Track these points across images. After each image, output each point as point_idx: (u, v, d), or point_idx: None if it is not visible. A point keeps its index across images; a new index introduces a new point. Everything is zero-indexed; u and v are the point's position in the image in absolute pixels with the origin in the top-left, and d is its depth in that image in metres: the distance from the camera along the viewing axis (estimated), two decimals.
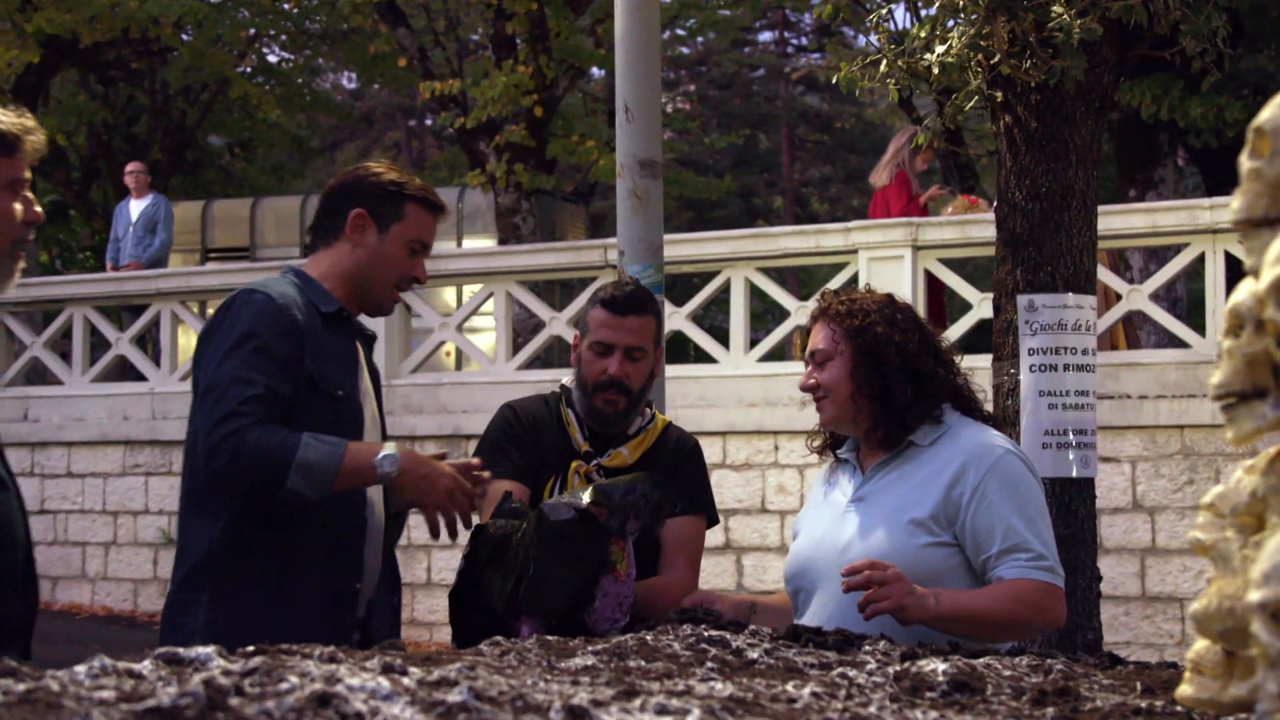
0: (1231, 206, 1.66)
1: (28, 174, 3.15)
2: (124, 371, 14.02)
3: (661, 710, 1.76)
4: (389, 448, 3.48)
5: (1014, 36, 4.54)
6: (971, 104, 4.81)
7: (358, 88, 32.67)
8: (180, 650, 1.94)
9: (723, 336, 11.77)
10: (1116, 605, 9.40)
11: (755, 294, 11.76)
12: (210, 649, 1.95)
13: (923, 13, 5.23)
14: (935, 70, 4.55)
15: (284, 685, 1.68)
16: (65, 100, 23.05)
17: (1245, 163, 1.64)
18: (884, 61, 4.90)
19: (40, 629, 3.32)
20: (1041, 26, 4.49)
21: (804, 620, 3.51)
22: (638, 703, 1.81)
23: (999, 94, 4.73)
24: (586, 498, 3.38)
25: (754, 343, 11.66)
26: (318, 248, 3.78)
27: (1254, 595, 1.47)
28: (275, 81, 24.42)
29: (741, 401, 10.86)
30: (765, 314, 22.49)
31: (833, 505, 3.66)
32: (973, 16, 4.51)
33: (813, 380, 3.64)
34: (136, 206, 15.08)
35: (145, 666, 1.84)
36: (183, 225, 17.85)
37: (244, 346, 3.48)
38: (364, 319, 3.83)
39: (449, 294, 15.80)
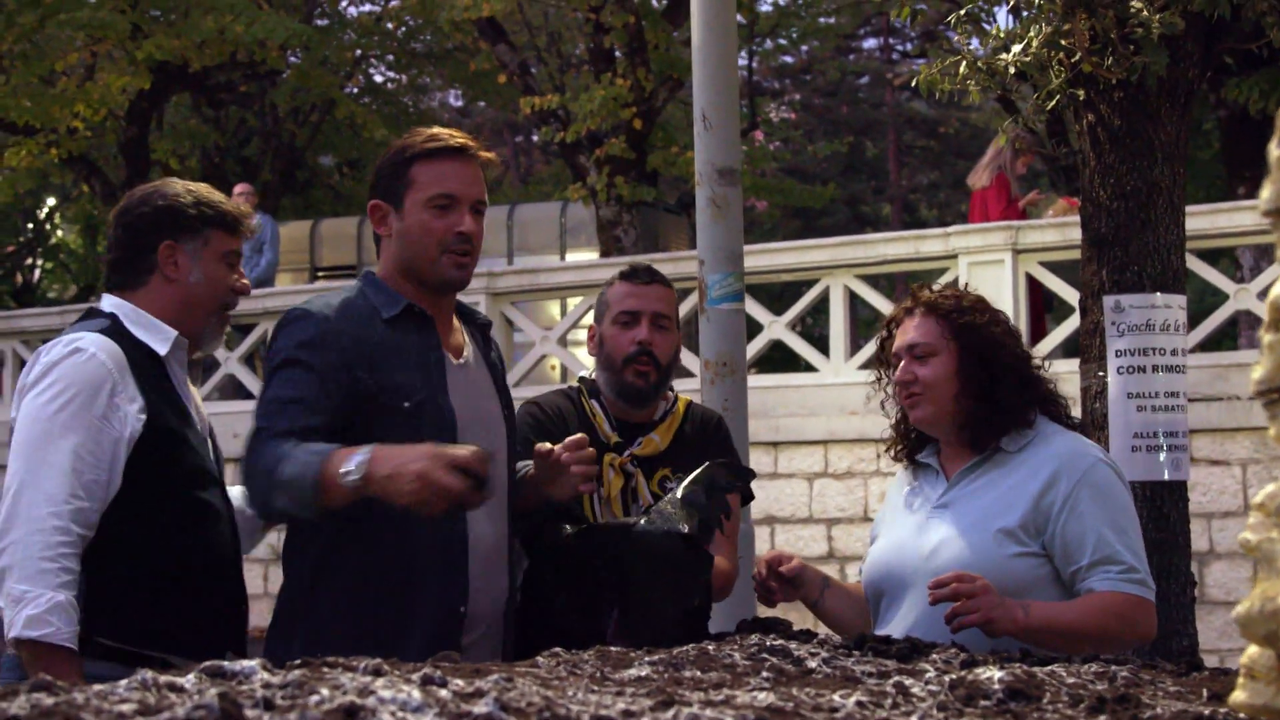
0: (1262, 195, 1.62)
1: (241, 250, 3.61)
2: (234, 390, 14.23)
3: None
4: (362, 451, 3.05)
5: (1094, 33, 4.46)
6: (1054, 103, 4.74)
7: (464, 105, 32.93)
8: (225, 664, 1.95)
9: (824, 344, 11.70)
10: (1229, 611, 9.18)
11: (857, 302, 11.67)
12: (255, 662, 1.97)
13: (1024, 14, 5.16)
14: (1011, 70, 4.48)
15: (314, 698, 1.69)
16: (177, 124, 23.47)
17: (1275, 151, 1.60)
18: (964, 63, 4.84)
19: None
20: (1122, 23, 4.41)
21: (887, 626, 3.45)
22: (670, 714, 1.80)
23: (1081, 92, 4.64)
24: (677, 516, 3.25)
25: (856, 350, 11.56)
26: (377, 251, 3.53)
27: None
28: (381, 101, 24.71)
29: (843, 410, 10.79)
30: (873, 321, 22.31)
31: (915, 511, 3.58)
32: (1050, 14, 4.44)
33: (911, 375, 3.51)
34: None
35: (189, 680, 1.85)
36: (292, 244, 18.10)
37: (280, 369, 3.29)
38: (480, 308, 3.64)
39: (554, 307, 15.86)
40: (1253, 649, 1.91)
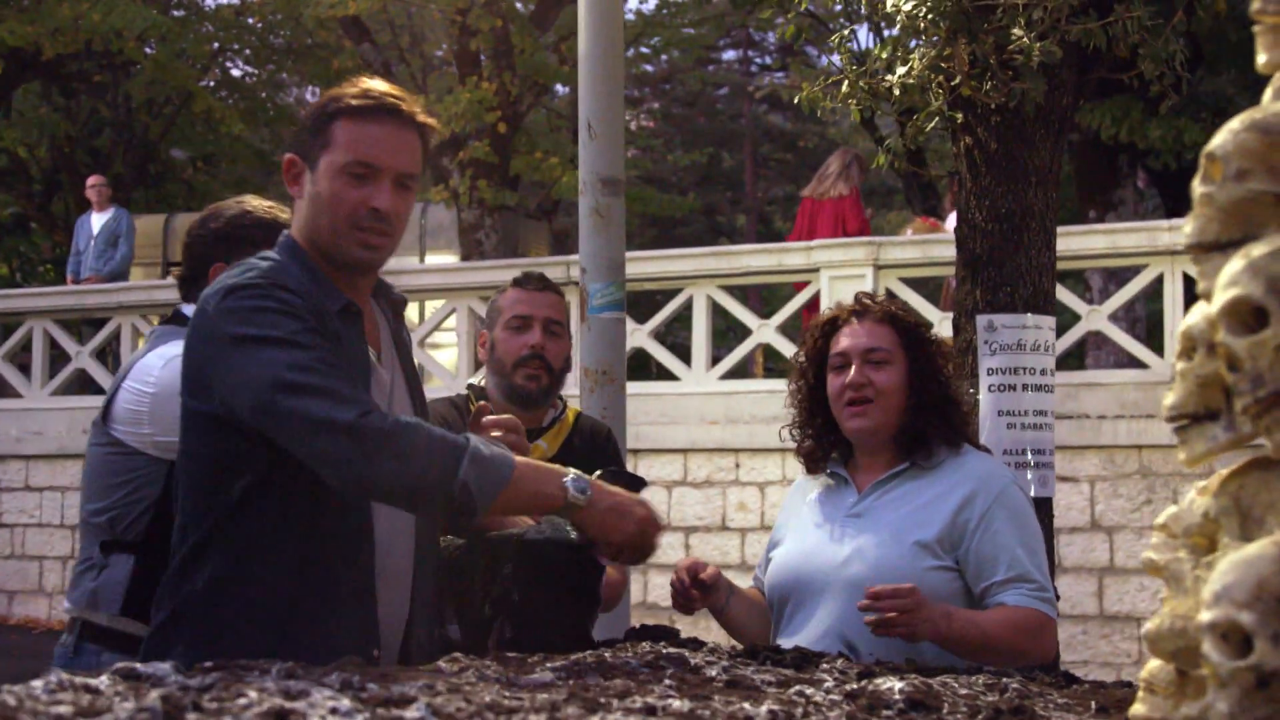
0: (1184, 230, 1.69)
1: None
2: (84, 385, 13.93)
3: None
4: (575, 475, 2.81)
5: (974, 58, 4.57)
6: (932, 125, 4.84)
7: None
8: (138, 665, 1.93)
9: (685, 354, 11.79)
10: (1074, 624, 9.45)
11: (718, 312, 11.77)
12: (167, 665, 1.95)
13: (886, 33, 5.26)
14: (897, 91, 4.58)
15: (241, 700, 1.68)
16: (27, 112, 22.90)
17: (1198, 187, 1.67)
18: (845, 82, 4.92)
19: None
20: (1002, 49, 4.52)
21: (794, 631, 3.47)
22: (598, 719, 1.82)
23: (959, 115, 4.76)
24: (566, 524, 3.02)
25: (716, 360, 11.66)
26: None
27: (1205, 615, 1.49)
28: (239, 96, 24.35)
29: (703, 419, 10.88)
30: (727, 331, 22.53)
31: (825, 519, 3.57)
32: (934, 39, 4.54)
33: (866, 379, 3.46)
34: (98, 220, 15.02)
35: (103, 682, 1.83)
36: (144, 238, 17.76)
37: (284, 335, 2.72)
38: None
39: (412, 310, 15.77)
40: (1153, 664, 1.98)
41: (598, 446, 4.00)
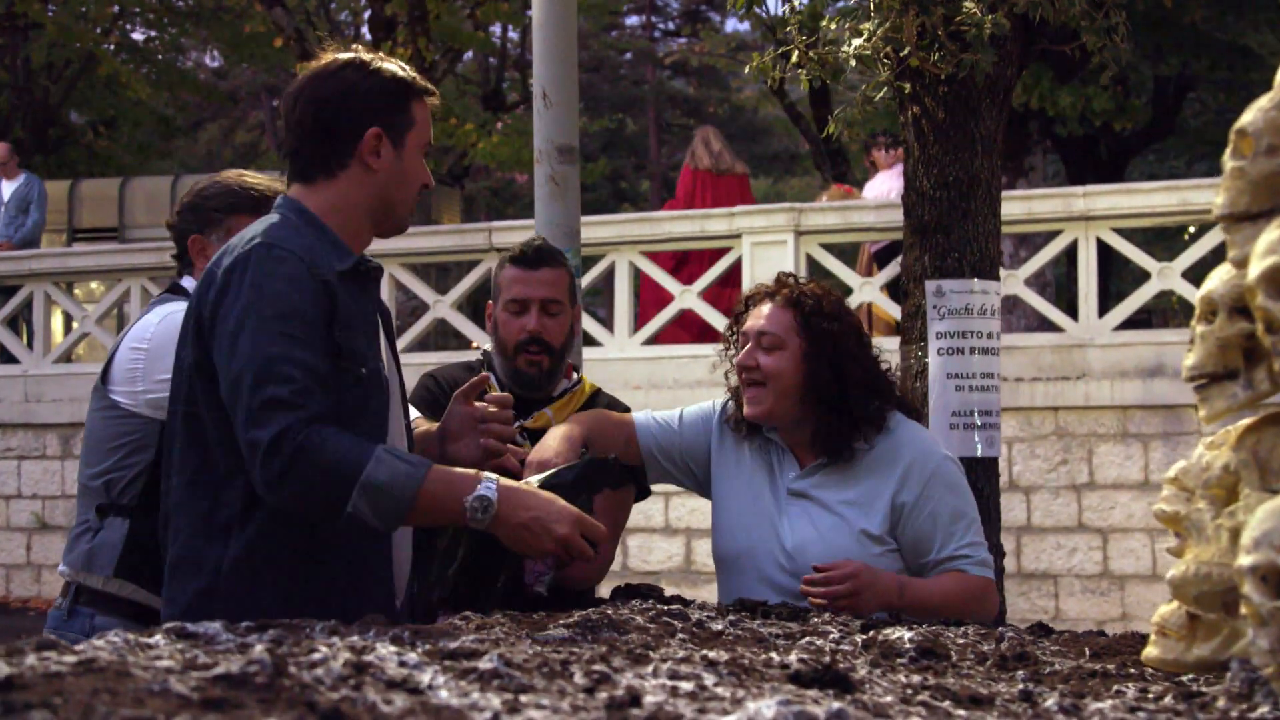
0: (1215, 202, 1.80)
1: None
2: None
3: (675, 675, 1.86)
4: (485, 485, 2.87)
5: (923, 30, 4.68)
6: (880, 95, 4.95)
7: (222, 66, 32.19)
8: (188, 625, 1.99)
9: (606, 320, 11.88)
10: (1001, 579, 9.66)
11: (638, 277, 11.85)
12: (217, 624, 2.01)
13: (798, 3, 5.34)
14: (853, 62, 4.68)
15: (316, 655, 1.75)
16: None
17: (1228, 162, 1.78)
18: (795, 52, 5.01)
19: None
20: (950, 20, 4.63)
21: (733, 597, 3.54)
22: (650, 668, 1.91)
23: (907, 86, 4.87)
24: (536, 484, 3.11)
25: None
26: (313, 178, 3.05)
27: (1245, 560, 1.60)
28: (140, 59, 23.99)
29: (627, 384, 10.96)
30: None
31: (766, 488, 3.61)
32: (887, 11, 4.64)
33: (754, 361, 3.51)
34: (9, 186, 14.79)
35: (158, 639, 1.89)
36: (50, 204, 17.48)
37: (280, 317, 2.85)
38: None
39: None
40: (1165, 608, 2.11)
41: None
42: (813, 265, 11.02)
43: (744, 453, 3.69)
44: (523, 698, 1.60)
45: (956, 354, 4.85)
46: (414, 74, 3.14)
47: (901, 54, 4.75)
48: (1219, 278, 1.90)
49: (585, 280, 11.76)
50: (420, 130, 3.09)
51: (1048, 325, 10.89)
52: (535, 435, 3.78)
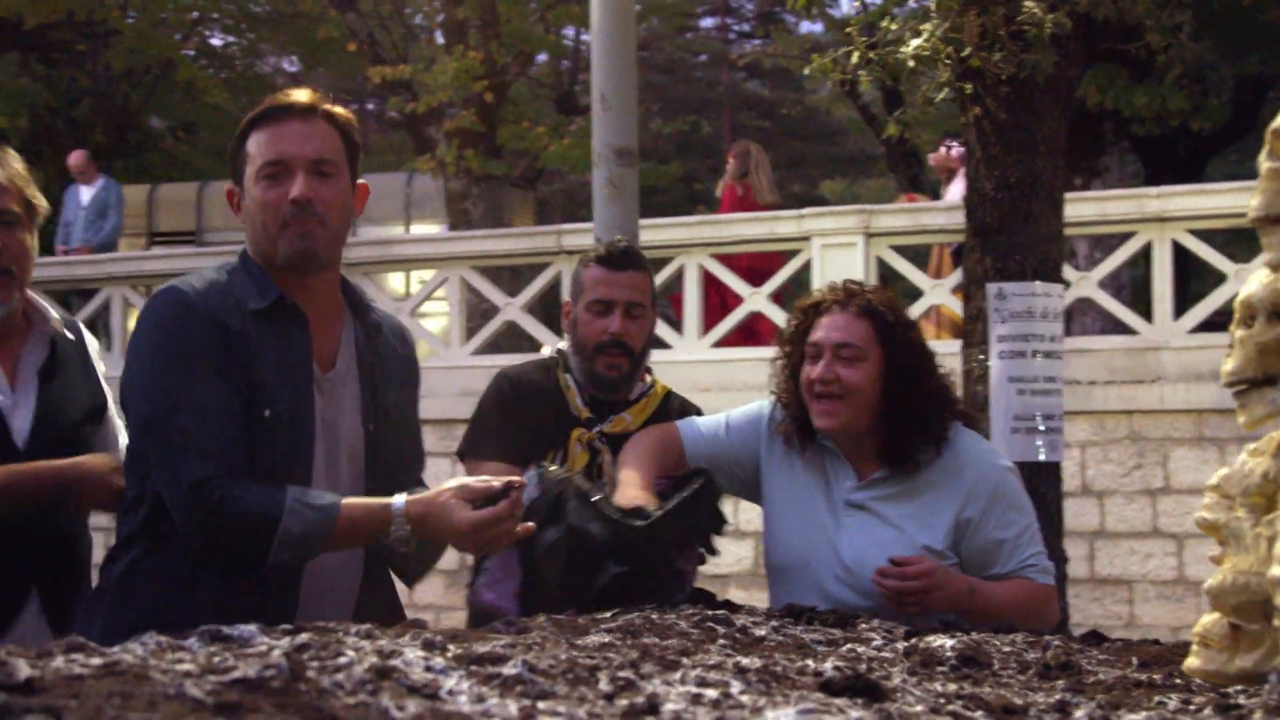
0: (1250, 204, 1.76)
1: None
2: None
3: (702, 682, 1.84)
4: (397, 515, 2.89)
5: (984, 30, 4.64)
6: (941, 96, 4.91)
7: (300, 71, 32.48)
8: (223, 628, 2.00)
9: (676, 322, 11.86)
10: (1068, 587, 9.55)
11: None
12: (252, 627, 2.02)
13: (869, 2, 5.31)
14: (911, 64, 4.64)
15: (342, 659, 1.75)
16: (6, 83, 22.81)
17: (1264, 163, 1.74)
18: (855, 53, 4.98)
19: None
20: (1012, 20, 4.59)
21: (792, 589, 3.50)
22: (678, 675, 1.90)
23: (969, 86, 4.82)
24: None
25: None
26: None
27: (1275, 570, 1.57)
28: (218, 65, 24.27)
29: (696, 386, 10.93)
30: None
31: (823, 499, 3.53)
32: (946, 11, 4.60)
33: (834, 374, 3.39)
34: (87, 191, 15.01)
35: (191, 642, 1.90)
36: (129, 209, 17.73)
37: (176, 361, 2.91)
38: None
39: (397, 279, 15.81)
40: (1207, 618, 2.07)
41: None
42: (883, 268, 10.95)
43: (795, 460, 3.60)
44: (540, 704, 1.60)
45: (1018, 357, 4.80)
46: (267, 103, 3.07)
47: (962, 54, 4.72)
48: (1258, 281, 1.86)
49: (656, 281, 11.77)
50: (253, 160, 3.00)
51: (1123, 328, 10.76)
52: (614, 440, 3.76)
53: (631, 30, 5.10)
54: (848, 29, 5.15)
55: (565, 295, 3.92)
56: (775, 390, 3.62)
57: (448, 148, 15.95)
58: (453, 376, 10.65)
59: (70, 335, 3.47)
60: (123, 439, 3.41)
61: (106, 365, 3.58)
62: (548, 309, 12.68)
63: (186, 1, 22.15)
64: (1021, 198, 4.84)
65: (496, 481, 2.94)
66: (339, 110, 3.10)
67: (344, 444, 3.10)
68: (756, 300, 11.17)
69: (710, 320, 11.50)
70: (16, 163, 3.36)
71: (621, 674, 1.84)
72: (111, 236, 14.85)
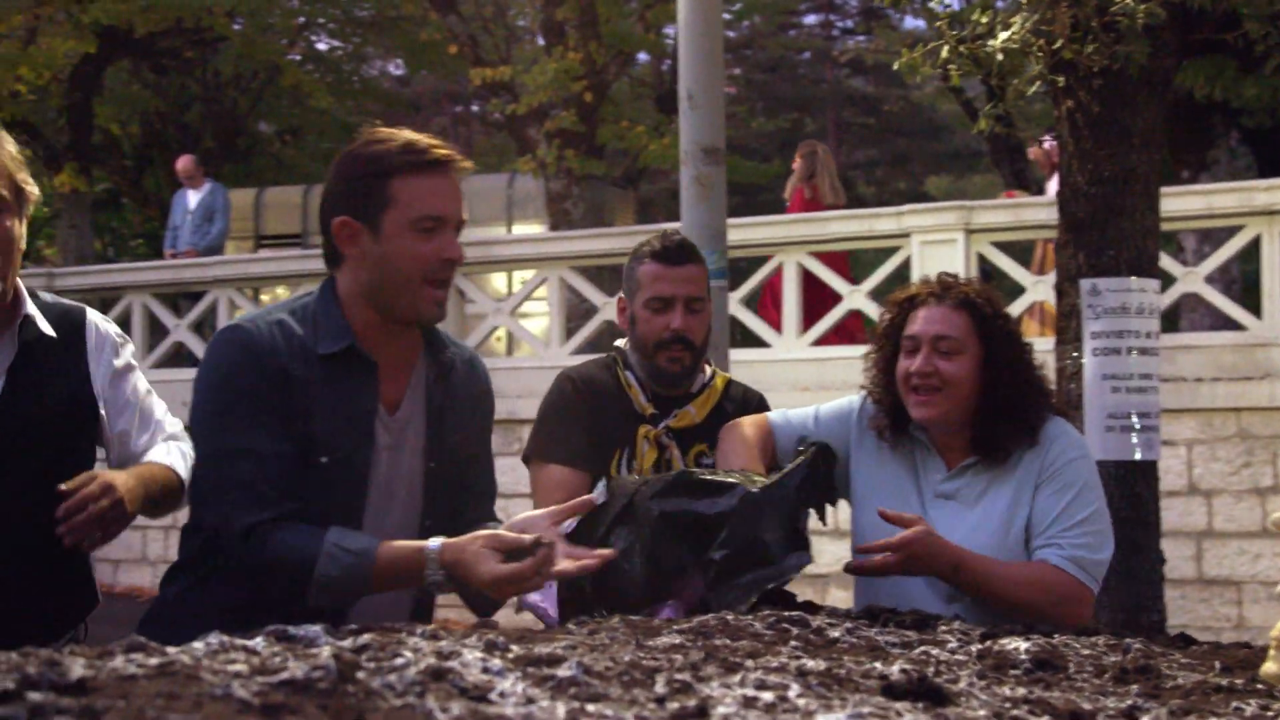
0: None
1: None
2: (182, 358, 14.18)
3: (761, 685, 1.82)
4: (431, 560, 2.87)
5: (1076, 22, 4.56)
6: (1033, 89, 4.84)
7: (404, 74, 32.79)
8: (289, 628, 2.01)
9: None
10: (1174, 588, 9.37)
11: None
12: (318, 627, 2.02)
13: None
14: (999, 56, 4.58)
15: (399, 660, 1.75)
16: (119, 90, 23.25)
17: None
18: (945, 47, 4.92)
19: (103, 611, 3.44)
20: (1104, 11, 4.51)
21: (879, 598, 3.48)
22: (737, 678, 1.88)
23: (1061, 79, 4.75)
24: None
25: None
26: (330, 265, 3.09)
27: None
28: (324, 69, 24.57)
29: (795, 385, 10.89)
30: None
31: (912, 489, 3.51)
32: (1034, 3, 4.53)
33: (933, 367, 3.37)
34: (194, 195, 15.25)
35: (258, 643, 1.91)
36: (236, 212, 17.99)
37: (236, 404, 2.92)
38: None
39: (499, 279, 15.89)
40: None
41: (750, 412, 3.85)
42: (984, 264, 10.83)
43: (885, 453, 3.58)
44: (590, 706, 1.59)
45: (1113, 354, 4.71)
46: (408, 147, 2.96)
47: (1054, 46, 4.64)
48: None
49: (753, 281, 11.74)
50: (405, 208, 2.92)
51: (1232, 324, 10.53)
52: (680, 434, 3.75)
53: (718, 28, 5.07)
54: (937, 22, 5.09)
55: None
56: (867, 383, 3.59)
57: (548, 148, 16.01)
58: (552, 377, 10.63)
59: (50, 330, 3.17)
60: (144, 440, 3.33)
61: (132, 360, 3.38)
62: None
63: (292, 7, 22.45)
64: (1115, 192, 4.76)
65: (528, 536, 2.89)
66: (467, 165, 3.07)
67: (403, 481, 3.12)
68: (855, 298, 11.09)
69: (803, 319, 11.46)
70: (9, 144, 3.06)
71: (679, 676, 1.83)
72: (218, 240, 15.08)
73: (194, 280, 13.92)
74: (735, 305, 11.64)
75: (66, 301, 3.28)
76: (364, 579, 2.87)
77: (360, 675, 1.61)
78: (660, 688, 1.75)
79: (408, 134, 3.02)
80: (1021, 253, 11.93)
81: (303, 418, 2.93)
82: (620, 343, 3.91)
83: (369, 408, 3.02)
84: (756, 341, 11.86)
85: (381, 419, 3.05)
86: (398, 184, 2.92)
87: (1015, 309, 10.57)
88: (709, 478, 3.16)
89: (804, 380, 10.94)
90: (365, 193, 2.93)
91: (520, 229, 18.24)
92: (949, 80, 5.20)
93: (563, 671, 1.76)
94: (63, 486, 2.94)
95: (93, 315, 3.27)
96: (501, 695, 1.63)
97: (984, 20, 4.83)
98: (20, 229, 3.06)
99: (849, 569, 3.28)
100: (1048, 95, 4.93)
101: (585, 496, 3.15)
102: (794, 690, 1.79)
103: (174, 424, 3.35)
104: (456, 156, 3.00)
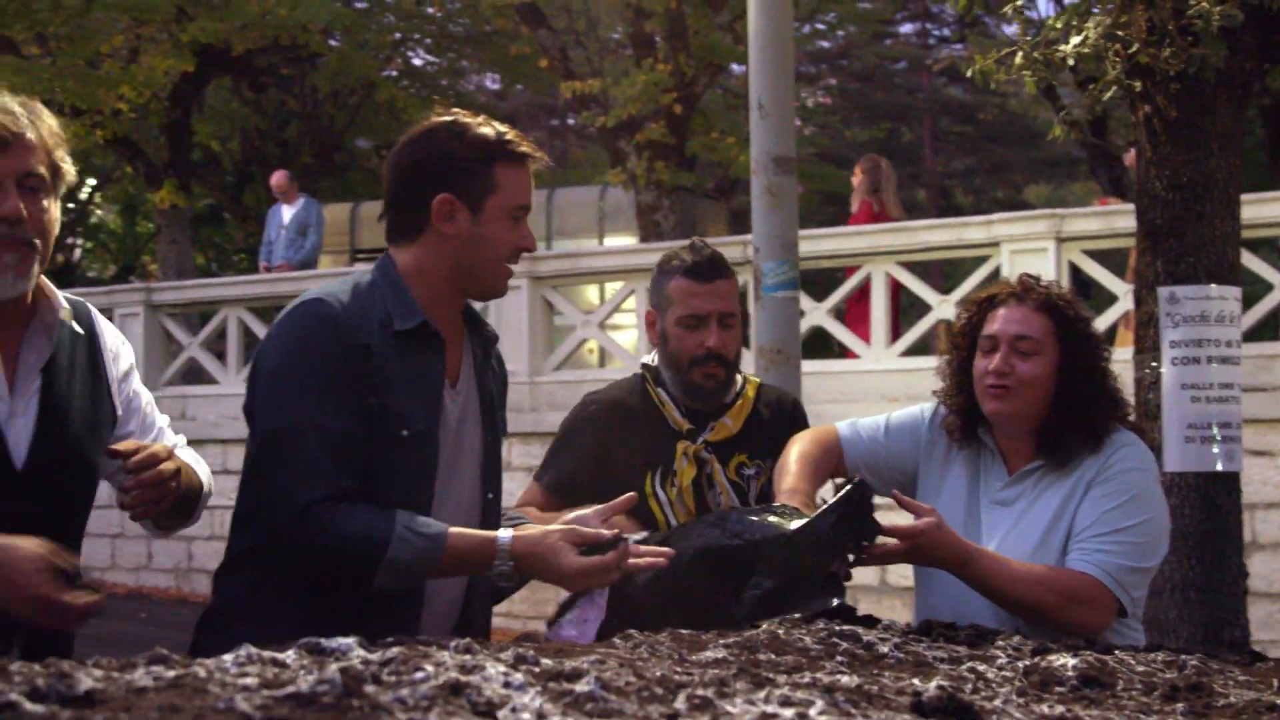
0: None
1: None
2: None
3: (785, 701, 1.79)
4: (502, 550, 2.91)
5: (1152, 25, 4.48)
6: (1109, 94, 4.76)
7: (500, 89, 33.00)
8: (323, 640, 2.01)
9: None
10: (1271, 603, 9.19)
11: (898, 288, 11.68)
12: (351, 639, 2.02)
13: (1066, 1, 5.18)
14: (1071, 61, 4.51)
15: (419, 674, 1.74)
16: (219, 107, 23.63)
17: None
18: (1020, 53, 4.86)
19: (191, 618, 3.42)
20: (1180, 14, 4.43)
21: (927, 600, 3.46)
22: (763, 694, 1.85)
23: (1137, 83, 4.66)
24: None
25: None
26: (398, 239, 3.10)
27: None
28: (420, 84, 24.79)
29: (883, 396, 10.80)
30: (909, 308, 22.32)
31: (970, 494, 3.48)
32: (1110, 6, 4.46)
33: (1010, 367, 3.34)
34: (288, 210, 15.45)
35: (289, 656, 1.91)
36: (332, 227, 18.22)
37: (309, 379, 2.91)
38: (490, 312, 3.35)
39: (592, 292, 15.92)
40: None
41: (785, 418, 3.86)
42: (1075, 273, 10.68)
43: (952, 462, 3.55)
44: None
45: (1192, 364, 4.62)
46: (509, 137, 3.07)
47: (1130, 51, 4.56)
48: None
49: (841, 291, 11.66)
50: (506, 195, 3.04)
51: None
52: (719, 447, 3.72)
53: (788, 37, 5.04)
54: (1011, 25, 5.03)
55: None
56: (940, 384, 3.56)
57: (638, 160, 16.03)
58: None
59: (79, 328, 2.99)
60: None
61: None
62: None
63: (388, 24, 22.68)
64: (1194, 198, 4.66)
65: (607, 531, 2.94)
66: (545, 159, 3.18)
67: (466, 455, 3.16)
68: (945, 308, 10.99)
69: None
70: (49, 118, 2.85)
71: (701, 692, 1.80)
72: (312, 254, 15.25)
73: (288, 294, 14.06)
74: (823, 315, 11.58)
75: (73, 296, 3.07)
76: (433, 564, 2.90)
77: (369, 689, 1.60)
78: (679, 704, 1.73)
79: (495, 123, 3.11)
80: (1118, 261, 11.76)
81: (380, 392, 2.95)
82: (649, 358, 3.86)
83: (438, 382, 3.08)
84: (845, 352, 11.77)
85: (448, 392, 3.11)
86: (501, 171, 3.03)
87: (1109, 318, 10.41)
88: (746, 519, 3.15)
89: (893, 391, 10.85)
90: (471, 174, 3.02)
91: (612, 241, 18.27)
92: (1051, 87, 5.13)
93: (580, 687, 1.74)
94: (120, 449, 2.80)
95: (96, 312, 3.13)
96: (514, 711, 1.62)
97: (1058, 25, 4.75)
98: (57, 211, 2.86)
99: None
100: (1125, 100, 4.83)
101: (630, 494, 3.16)
102: (817, 707, 1.76)
103: (177, 437, 3.25)
104: (539, 153, 3.14)
